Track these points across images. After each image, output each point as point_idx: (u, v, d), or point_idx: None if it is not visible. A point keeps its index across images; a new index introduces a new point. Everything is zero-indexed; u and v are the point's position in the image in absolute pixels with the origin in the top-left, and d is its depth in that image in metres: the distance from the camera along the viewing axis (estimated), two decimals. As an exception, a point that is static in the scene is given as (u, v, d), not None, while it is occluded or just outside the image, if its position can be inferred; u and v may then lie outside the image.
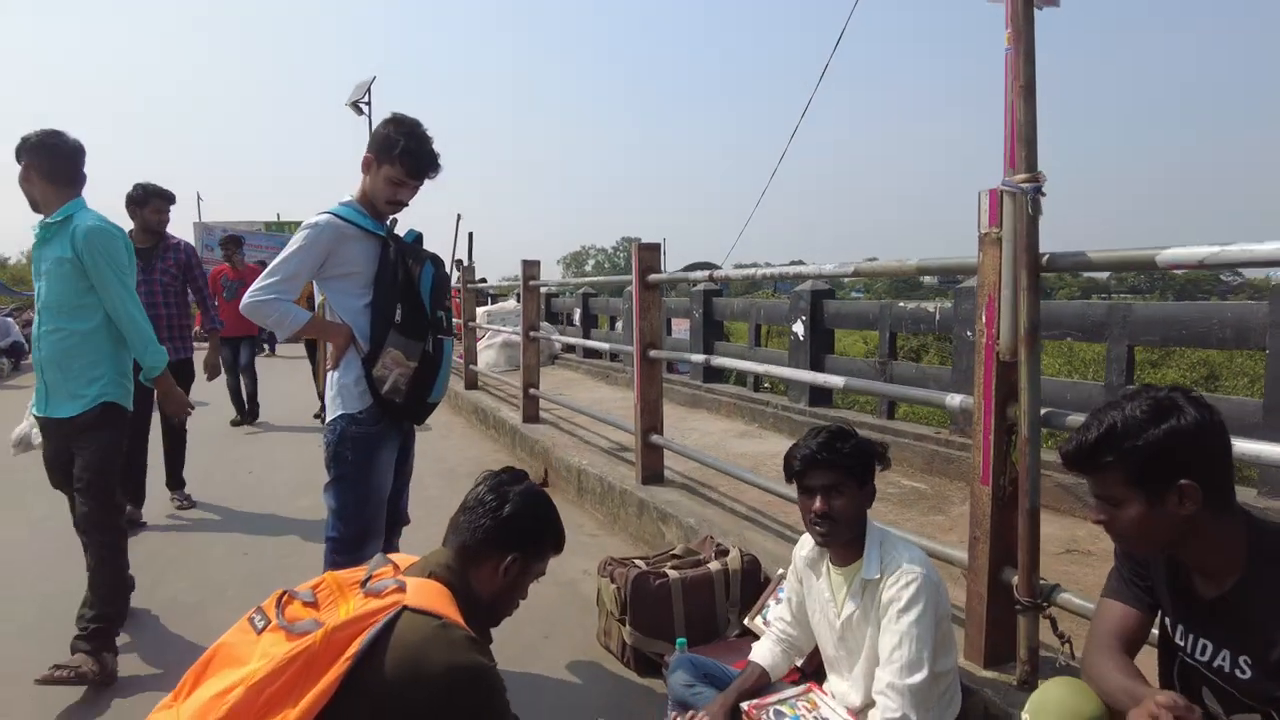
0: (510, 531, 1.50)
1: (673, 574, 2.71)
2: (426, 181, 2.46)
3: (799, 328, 6.33)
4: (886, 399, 5.52)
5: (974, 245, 2.11)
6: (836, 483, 1.91)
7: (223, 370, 7.16)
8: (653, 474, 4.10)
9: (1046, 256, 1.94)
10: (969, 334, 4.84)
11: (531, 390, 6.01)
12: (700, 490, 4.04)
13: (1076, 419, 1.93)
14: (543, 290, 12.50)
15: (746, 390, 6.90)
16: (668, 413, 6.87)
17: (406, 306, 2.35)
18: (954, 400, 2.27)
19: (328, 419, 2.43)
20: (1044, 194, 1.89)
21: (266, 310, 2.27)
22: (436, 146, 2.39)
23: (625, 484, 4.13)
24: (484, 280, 12.98)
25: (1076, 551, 3.45)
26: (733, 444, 5.75)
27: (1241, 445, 1.49)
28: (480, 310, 11.52)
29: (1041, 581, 2.02)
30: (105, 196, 4.08)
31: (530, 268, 5.96)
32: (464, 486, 5.21)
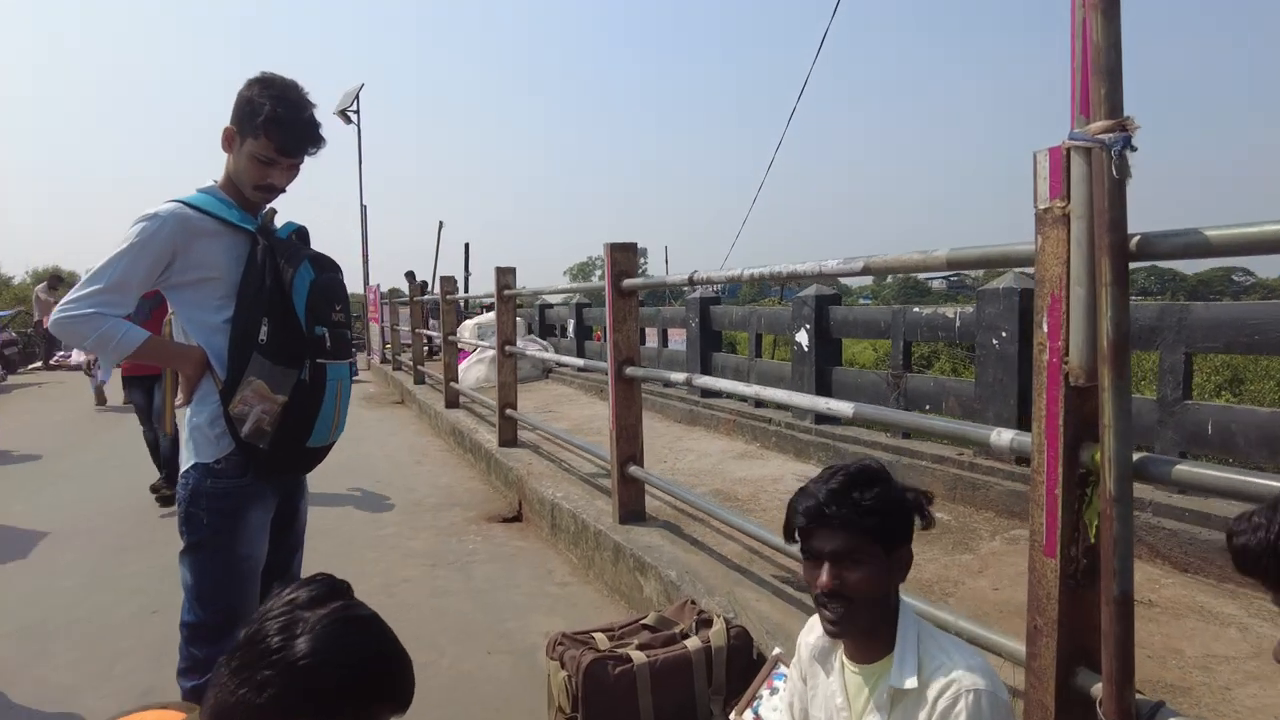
0: (295, 688, 0.92)
1: (638, 657, 2.13)
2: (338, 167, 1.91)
3: (802, 337, 5.75)
4: (917, 431, 4.82)
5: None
6: (852, 548, 1.36)
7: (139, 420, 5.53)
8: (631, 511, 3.53)
9: (1136, 238, 1.36)
10: (995, 342, 4.26)
11: (509, 411, 5.45)
12: (686, 530, 3.46)
13: (1191, 470, 1.35)
14: (539, 301, 12.05)
15: (747, 406, 6.32)
16: (662, 431, 6.31)
17: (274, 322, 1.79)
18: (1002, 438, 1.69)
19: (181, 469, 1.88)
20: (1134, 148, 1.32)
21: (81, 328, 1.72)
22: (319, 115, 1.84)
23: (600, 523, 3.56)
24: (455, 283, 12.46)
25: (1135, 601, 2.85)
26: (731, 467, 5.17)
27: None
28: (470, 323, 10.99)
29: (1139, 695, 1.43)
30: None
31: (504, 276, 5.40)
32: (427, 523, 4.64)
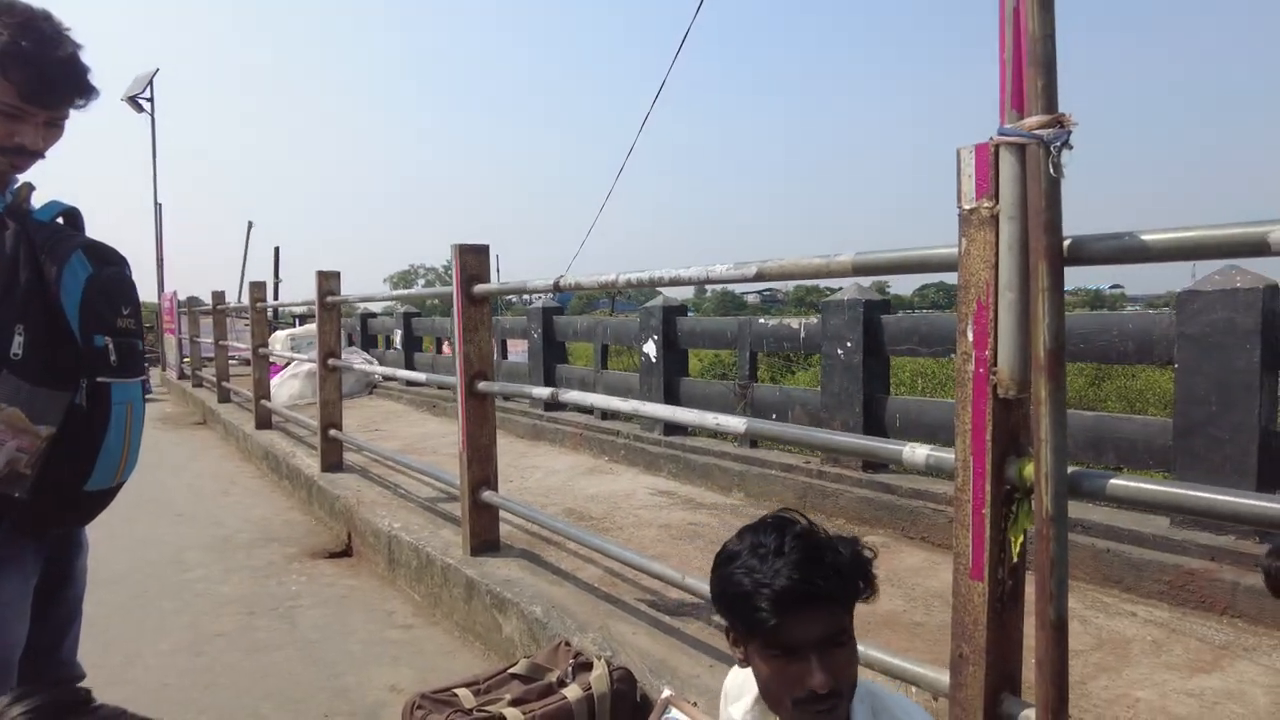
0: None
1: (513, 715, 1.86)
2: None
3: (650, 348, 5.66)
4: (821, 450, 4.22)
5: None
6: (840, 627, 1.11)
7: None
8: (485, 541, 3.21)
9: (1068, 242, 1.29)
10: (840, 352, 4.34)
11: (332, 432, 4.90)
12: (546, 557, 3.19)
13: (1127, 485, 1.30)
14: (360, 309, 11.20)
15: (594, 419, 6.14)
16: (505, 448, 5.92)
17: (32, 330, 1.36)
18: (916, 454, 1.59)
19: None
20: (1070, 146, 1.25)
21: None
22: (85, 56, 1.41)
23: (449, 556, 3.21)
24: (265, 290, 11.44)
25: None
26: (582, 483, 4.96)
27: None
28: (281, 334, 10.04)
29: (1069, 723, 1.36)
30: None
31: (328, 281, 4.86)
32: (240, 562, 4.04)
